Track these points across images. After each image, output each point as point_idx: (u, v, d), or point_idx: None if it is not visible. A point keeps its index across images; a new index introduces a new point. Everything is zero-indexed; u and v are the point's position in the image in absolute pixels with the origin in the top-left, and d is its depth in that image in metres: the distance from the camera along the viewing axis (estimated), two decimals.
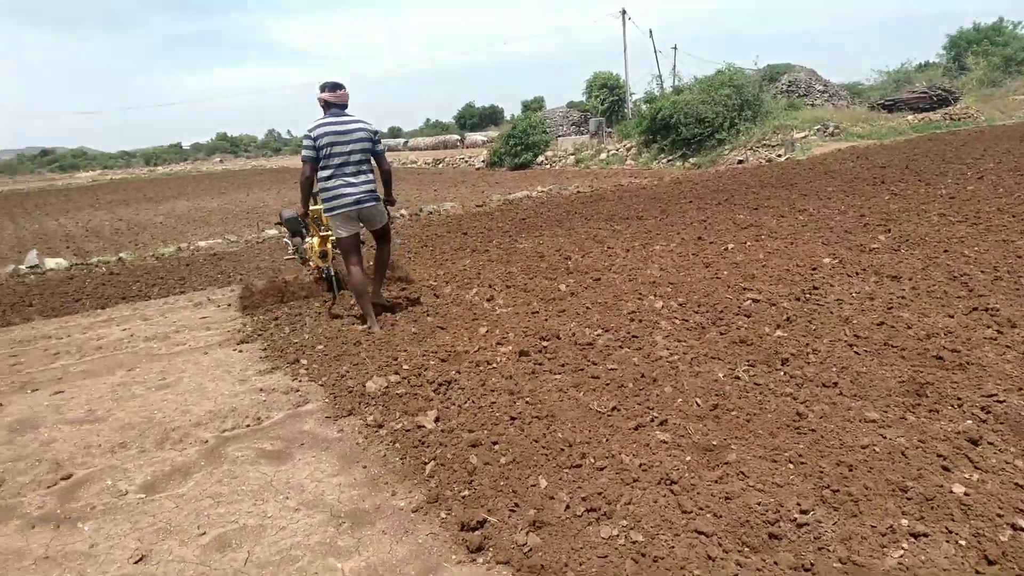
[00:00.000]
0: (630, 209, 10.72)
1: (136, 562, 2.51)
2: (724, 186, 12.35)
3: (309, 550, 2.51)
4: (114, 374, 4.75)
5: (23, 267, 9.10)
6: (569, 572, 2.26)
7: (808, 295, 4.86)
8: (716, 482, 2.67)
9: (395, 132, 78.88)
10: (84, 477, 3.21)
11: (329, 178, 4.90)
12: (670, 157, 20.84)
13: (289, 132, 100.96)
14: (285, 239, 7.25)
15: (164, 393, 4.26)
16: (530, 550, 2.38)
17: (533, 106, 59.05)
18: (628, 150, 23.99)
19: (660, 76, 29.10)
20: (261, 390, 4.17)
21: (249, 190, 24.22)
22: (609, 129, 30.06)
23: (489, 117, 72.82)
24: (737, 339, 4.16)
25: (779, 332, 4.19)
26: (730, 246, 6.78)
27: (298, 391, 4.11)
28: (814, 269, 5.53)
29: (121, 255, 9.89)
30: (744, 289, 5.18)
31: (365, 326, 5.13)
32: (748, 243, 6.87)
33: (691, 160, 19.90)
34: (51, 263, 9.30)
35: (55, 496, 3.05)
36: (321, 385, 4.17)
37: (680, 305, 5.00)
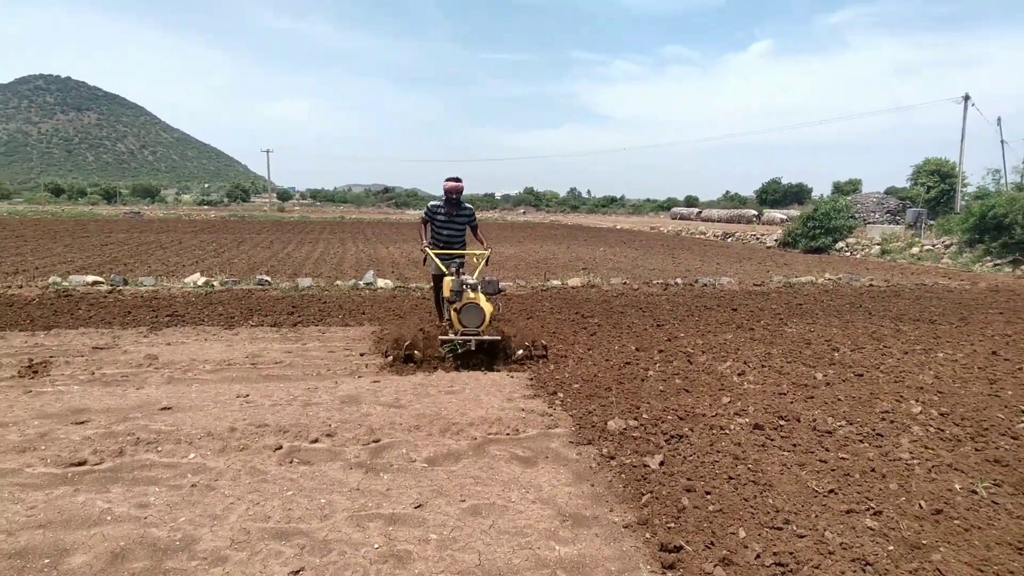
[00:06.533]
0: (925, 311, 10.03)
1: (416, 507, 3.37)
2: None
3: (536, 531, 3.16)
4: (416, 375, 5.95)
5: (362, 283, 11.35)
6: None
7: None
8: (911, 573, 2.78)
9: (691, 201, 79.33)
10: (387, 443, 4.25)
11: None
12: (997, 261, 18.54)
13: (589, 192, 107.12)
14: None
15: (450, 397, 5.29)
16: None
17: (846, 188, 55.72)
18: (946, 247, 21.77)
19: (1003, 171, 26.02)
20: (523, 410, 4.98)
21: (543, 243, 26.50)
22: (930, 222, 27.47)
23: (794, 195, 70.23)
24: (992, 458, 4.00)
25: None
26: None
27: (551, 416, 4.85)
28: None
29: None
30: (1023, 412, 4.82)
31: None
32: None
33: None
34: (381, 283, 11.45)
35: (367, 452, 4.11)
36: (571, 416, 4.86)
37: (941, 415, 4.83)
